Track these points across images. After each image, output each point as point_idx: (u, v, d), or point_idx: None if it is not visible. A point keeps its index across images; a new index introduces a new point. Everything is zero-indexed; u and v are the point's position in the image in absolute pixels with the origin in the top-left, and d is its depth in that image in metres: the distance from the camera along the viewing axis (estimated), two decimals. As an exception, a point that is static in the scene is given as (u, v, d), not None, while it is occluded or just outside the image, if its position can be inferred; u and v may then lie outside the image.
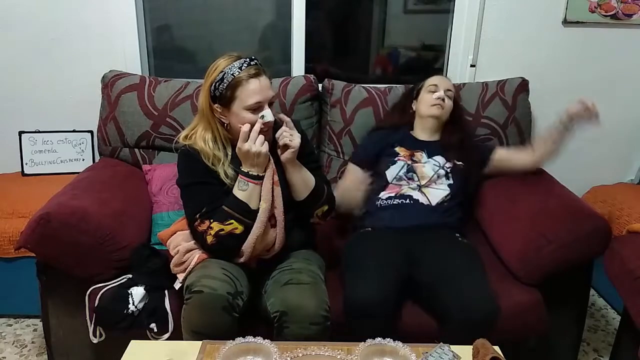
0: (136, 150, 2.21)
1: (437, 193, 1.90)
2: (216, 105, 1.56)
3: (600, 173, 2.58)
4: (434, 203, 1.89)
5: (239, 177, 1.53)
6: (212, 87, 1.53)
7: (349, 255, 1.78)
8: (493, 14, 2.40)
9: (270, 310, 1.50)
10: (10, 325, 2.23)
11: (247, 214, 1.53)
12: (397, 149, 1.99)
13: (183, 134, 1.66)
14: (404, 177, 1.93)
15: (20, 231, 1.64)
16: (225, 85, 1.51)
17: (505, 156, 2.04)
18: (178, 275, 1.62)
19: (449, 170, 1.95)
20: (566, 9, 2.38)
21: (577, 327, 1.89)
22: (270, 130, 1.58)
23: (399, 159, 1.96)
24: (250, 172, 1.53)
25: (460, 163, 1.97)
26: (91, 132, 2.42)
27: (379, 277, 1.57)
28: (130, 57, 2.38)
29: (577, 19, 2.40)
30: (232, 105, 1.54)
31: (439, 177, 1.93)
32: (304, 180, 1.63)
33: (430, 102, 1.98)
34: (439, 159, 1.97)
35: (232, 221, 1.52)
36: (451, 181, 1.93)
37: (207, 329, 1.43)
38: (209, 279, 1.45)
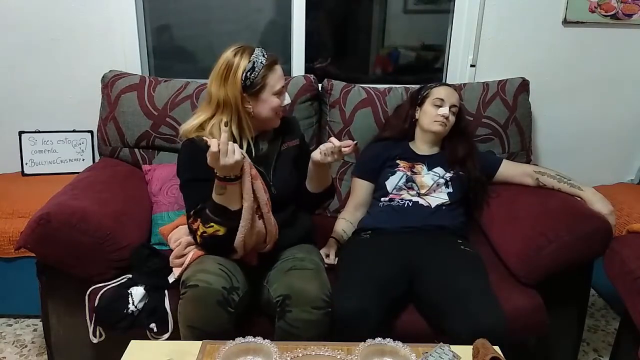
0: (136, 150, 2.21)
1: (436, 200, 1.91)
2: (245, 94, 1.59)
3: (600, 173, 2.58)
4: (433, 205, 1.90)
5: (215, 182, 1.50)
6: (244, 77, 1.57)
7: (341, 261, 1.78)
8: (493, 14, 2.40)
9: (272, 295, 1.51)
10: (10, 325, 2.23)
11: (227, 217, 1.51)
12: (397, 161, 1.99)
13: (190, 125, 1.64)
14: (404, 186, 1.93)
15: (20, 231, 1.64)
16: (257, 73, 1.57)
17: (509, 176, 2.01)
18: (174, 270, 1.63)
19: (448, 179, 1.94)
20: (566, 9, 2.38)
21: (577, 327, 1.89)
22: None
23: (398, 170, 1.96)
24: (226, 177, 1.48)
25: (463, 174, 1.96)
26: (91, 132, 2.42)
27: (367, 287, 1.56)
28: (130, 57, 2.38)
29: (577, 19, 2.40)
30: (262, 92, 1.60)
31: (438, 185, 1.93)
32: (322, 179, 1.69)
33: (434, 117, 1.95)
34: (439, 170, 1.96)
35: (213, 224, 1.51)
36: (451, 190, 1.93)
37: (203, 323, 1.44)
38: (205, 274, 1.46)
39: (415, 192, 1.92)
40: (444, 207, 1.90)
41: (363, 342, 1.27)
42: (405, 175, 1.94)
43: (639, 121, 2.58)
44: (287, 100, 1.66)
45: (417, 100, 2.04)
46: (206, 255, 1.57)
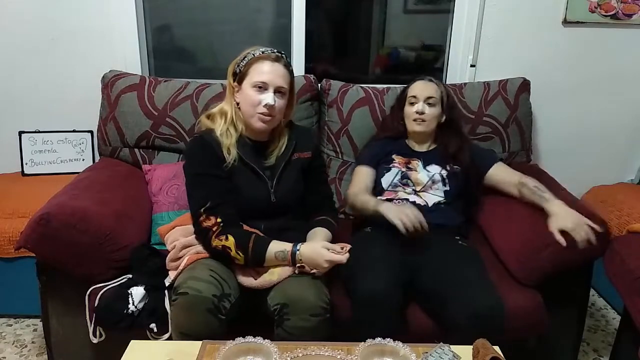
0: (136, 150, 2.21)
1: (433, 197, 1.90)
2: (235, 82, 1.64)
3: (600, 173, 2.58)
4: (430, 204, 1.88)
5: (286, 249, 1.53)
6: (235, 65, 1.63)
7: (353, 249, 1.72)
8: (493, 14, 2.40)
9: (270, 303, 1.50)
10: (10, 325, 2.23)
11: (256, 261, 1.54)
12: (394, 156, 1.97)
13: (208, 112, 1.72)
14: (399, 183, 1.92)
15: (20, 231, 1.64)
16: (244, 62, 1.61)
17: (499, 178, 1.94)
18: (170, 272, 1.63)
19: (445, 176, 1.92)
20: (566, 9, 2.38)
21: (577, 327, 1.89)
22: (272, 121, 1.63)
23: (393, 166, 1.94)
24: (298, 262, 1.52)
25: (457, 167, 1.94)
26: (91, 132, 2.42)
27: (384, 270, 1.57)
28: (130, 57, 2.38)
29: (577, 19, 2.40)
30: (243, 81, 1.62)
31: (434, 182, 1.91)
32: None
33: (411, 116, 1.93)
34: (434, 167, 1.94)
35: (240, 254, 1.52)
36: (447, 188, 1.91)
37: (194, 330, 1.43)
38: (195, 281, 1.45)
39: (410, 189, 1.91)
40: (442, 205, 1.89)
41: (363, 342, 1.27)
42: (400, 172, 1.93)
43: (639, 121, 2.58)
44: (268, 99, 1.58)
45: (401, 101, 2.02)
46: (199, 261, 1.56)
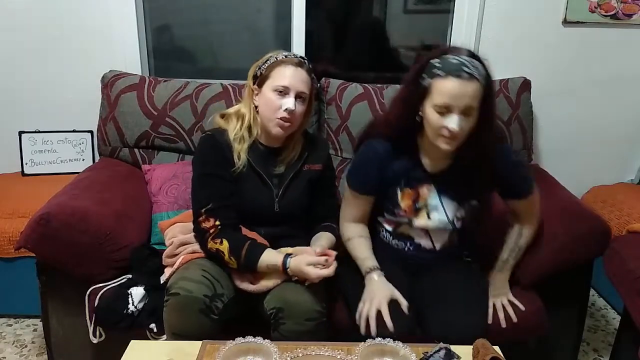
0: (136, 150, 2.20)
1: (442, 237, 1.63)
2: (255, 85, 1.63)
3: (600, 173, 2.58)
4: (438, 247, 1.63)
5: (277, 257, 1.50)
6: (257, 68, 1.63)
7: (348, 275, 1.62)
8: (493, 14, 2.40)
9: (266, 307, 1.50)
10: (10, 325, 2.23)
11: (248, 269, 1.53)
12: (399, 196, 1.57)
13: (221, 112, 1.71)
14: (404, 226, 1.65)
15: (20, 231, 1.64)
16: (266, 65, 1.60)
17: (515, 209, 1.64)
18: (165, 270, 1.63)
19: (459, 225, 1.59)
20: (566, 9, 2.38)
21: (577, 327, 1.89)
22: (290, 127, 1.60)
23: (399, 215, 1.60)
24: (288, 268, 1.50)
25: (476, 202, 1.59)
26: (91, 132, 2.42)
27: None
28: (130, 57, 2.38)
29: (577, 19, 2.40)
30: (264, 84, 1.60)
31: (445, 230, 1.61)
32: None
33: (437, 129, 1.40)
34: (450, 207, 1.57)
35: (233, 259, 1.51)
36: (460, 227, 1.61)
37: (186, 331, 1.42)
38: (186, 281, 1.44)
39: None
40: (452, 242, 1.65)
41: (363, 342, 1.27)
42: (407, 223, 1.61)
43: (639, 121, 2.58)
44: (289, 104, 1.54)
45: (419, 93, 1.44)
46: (192, 261, 1.55)
